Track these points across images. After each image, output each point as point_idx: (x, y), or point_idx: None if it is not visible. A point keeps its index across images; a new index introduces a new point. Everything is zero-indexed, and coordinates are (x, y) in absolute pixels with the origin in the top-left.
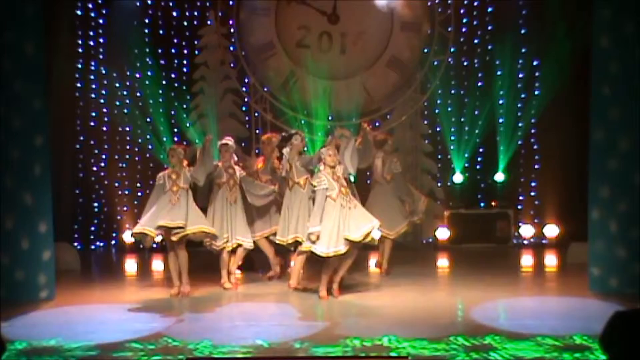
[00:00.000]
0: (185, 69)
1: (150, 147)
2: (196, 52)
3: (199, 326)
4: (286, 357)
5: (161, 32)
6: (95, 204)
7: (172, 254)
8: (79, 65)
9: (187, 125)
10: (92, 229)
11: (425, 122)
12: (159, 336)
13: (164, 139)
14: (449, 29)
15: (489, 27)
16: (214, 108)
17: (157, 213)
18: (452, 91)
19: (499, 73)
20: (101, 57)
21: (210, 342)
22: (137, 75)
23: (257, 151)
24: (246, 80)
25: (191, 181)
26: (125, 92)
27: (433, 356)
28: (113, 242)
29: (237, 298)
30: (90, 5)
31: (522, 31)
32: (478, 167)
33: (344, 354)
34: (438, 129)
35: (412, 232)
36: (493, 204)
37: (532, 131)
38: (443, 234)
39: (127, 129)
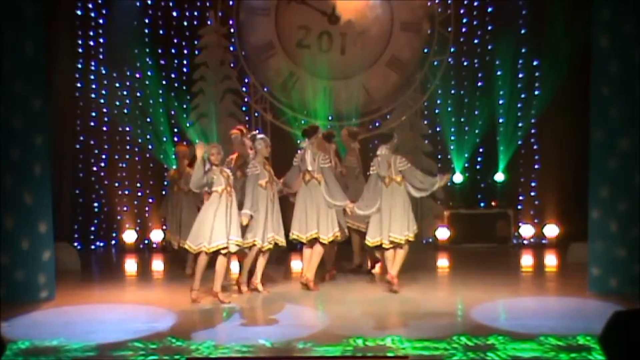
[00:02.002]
0: (185, 69)
1: (150, 147)
2: (196, 52)
3: (199, 326)
4: (286, 357)
5: (161, 32)
6: (95, 204)
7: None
8: (79, 65)
9: (187, 125)
10: (92, 229)
11: (425, 122)
12: (159, 336)
13: (164, 139)
14: (449, 29)
15: (489, 27)
16: (214, 108)
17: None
18: (452, 91)
19: (499, 73)
20: (101, 57)
21: (211, 342)
22: (137, 75)
23: None
24: (246, 80)
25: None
26: (125, 92)
27: (433, 356)
28: (113, 242)
29: (237, 298)
30: (90, 5)
31: (522, 31)
32: (478, 167)
33: (343, 354)
34: (438, 129)
35: None
36: (493, 204)
37: (532, 131)
38: (443, 234)
39: (127, 129)
